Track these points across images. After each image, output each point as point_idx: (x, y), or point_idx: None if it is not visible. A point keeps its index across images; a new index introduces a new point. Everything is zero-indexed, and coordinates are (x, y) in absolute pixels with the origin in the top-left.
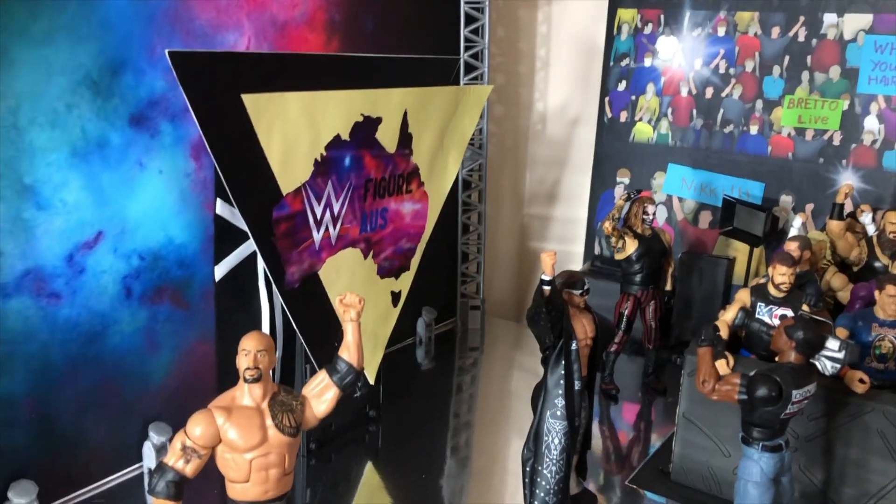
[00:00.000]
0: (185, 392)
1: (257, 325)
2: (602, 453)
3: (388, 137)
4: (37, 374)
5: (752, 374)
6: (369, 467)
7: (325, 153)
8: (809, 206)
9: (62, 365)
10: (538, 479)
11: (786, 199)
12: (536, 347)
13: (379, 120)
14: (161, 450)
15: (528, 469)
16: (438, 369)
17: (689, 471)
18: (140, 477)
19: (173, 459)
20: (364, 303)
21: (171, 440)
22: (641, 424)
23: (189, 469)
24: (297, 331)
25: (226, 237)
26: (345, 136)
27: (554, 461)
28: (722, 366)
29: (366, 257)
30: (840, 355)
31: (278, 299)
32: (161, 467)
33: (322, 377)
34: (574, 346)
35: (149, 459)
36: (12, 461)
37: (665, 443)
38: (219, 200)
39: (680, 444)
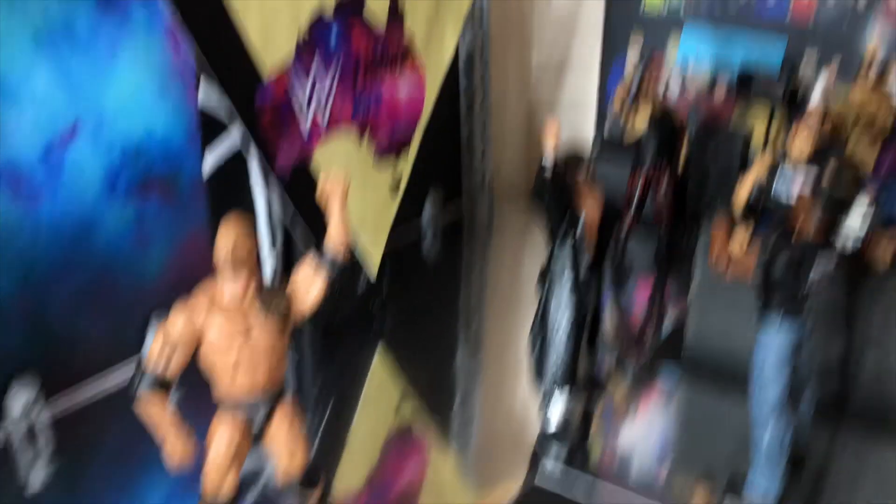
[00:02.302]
0: (183, 285)
1: (252, 218)
2: (613, 334)
3: (377, 11)
4: (25, 274)
5: (769, 248)
6: (377, 358)
7: (307, 31)
8: (833, 70)
9: (51, 264)
10: (545, 365)
11: (808, 64)
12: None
13: None
14: None
15: (534, 354)
16: (445, 257)
17: (703, 349)
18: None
19: (154, 358)
20: (349, 182)
21: None
22: (653, 304)
23: (171, 368)
24: (291, 223)
25: (212, 128)
26: (328, 12)
27: (561, 345)
28: (738, 241)
29: (360, 143)
30: (863, 224)
31: (273, 190)
32: (142, 367)
33: (308, 268)
34: (580, 227)
35: None
36: (12, 358)
37: (679, 321)
38: (201, 89)
39: (694, 322)
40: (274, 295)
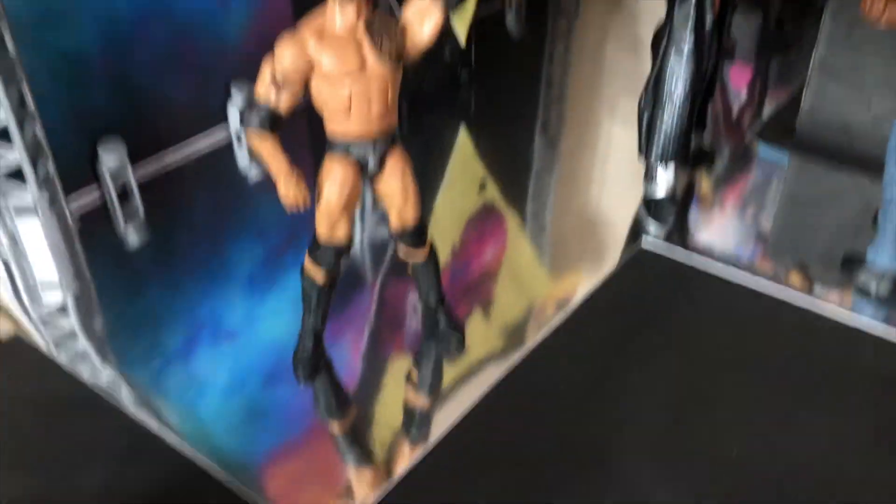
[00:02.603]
0: (264, 52)
1: None
2: (721, 106)
3: None
4: (105, 28)
5: None
6: (462, 133)
7: None
8: None
9: (131, 19)
10: (656, 128)
11: None
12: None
13: None
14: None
15: (645, 117)
16: (530, 36)
17: (818, 125)
18: (228, 144)
19: (263, 91)
20: None
21: None
22: (761, 81)
23: (282, 102)
24: None
25: None
26: None
27: (676, 107)
28: None
29: None
30: None
31: None
32: (253, 102)
33: None
34: None
35: (234, 121)
36: (97, 119)
37: (792, 98)
38: None
39: (811, 95)
40: (387, 26)
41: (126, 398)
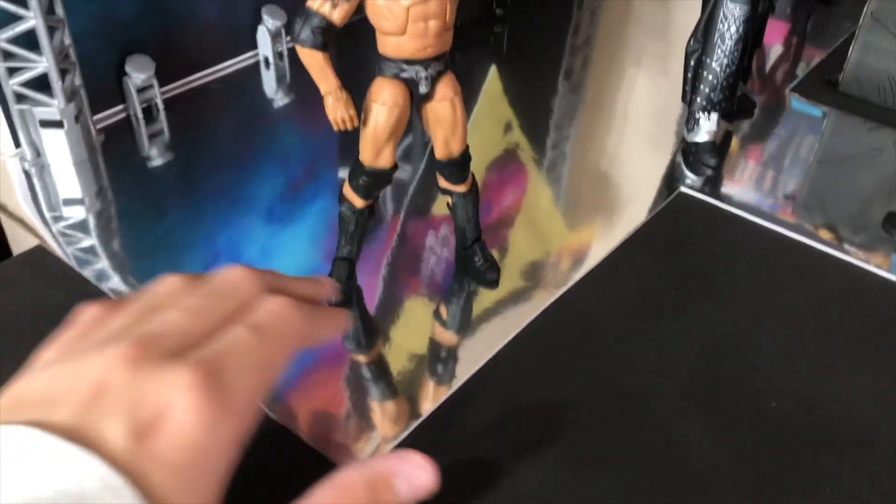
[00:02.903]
0: None
1: None
2: (765, 55)
3: None
4: None
5: None
6: (492, 72)
7: None
8: None
9: None
10: (705, 74)
11: None
12: None
13: None
14: (276, 35)
15: (692, 63)
16: None
17: (863, 81)
18: (256, 65)
19: (318, 2)
20: None
21: (286, 25)
22: (799, 36)
23: (337, 14)
24: None
25: None
26: None
27: (727, 52)
28: None
29: None
30: None
31: None
32: (306, 13)
33: None
34: None
35: (264, 46)
36: (126, 33)
37: (835, 51)
38: None
39: (859, 49)
40: None
41: None
